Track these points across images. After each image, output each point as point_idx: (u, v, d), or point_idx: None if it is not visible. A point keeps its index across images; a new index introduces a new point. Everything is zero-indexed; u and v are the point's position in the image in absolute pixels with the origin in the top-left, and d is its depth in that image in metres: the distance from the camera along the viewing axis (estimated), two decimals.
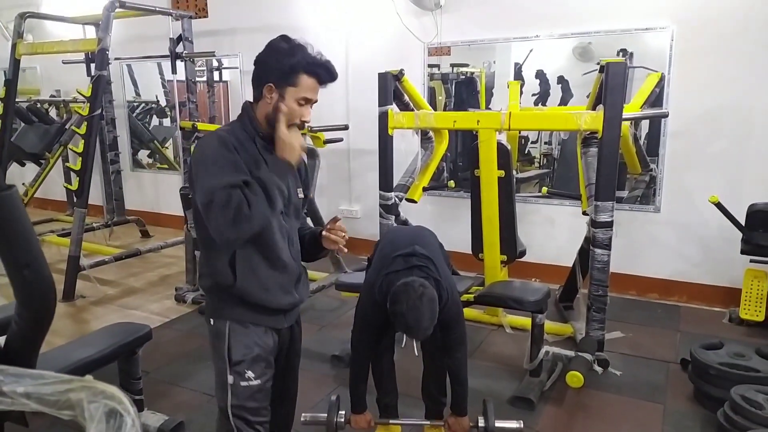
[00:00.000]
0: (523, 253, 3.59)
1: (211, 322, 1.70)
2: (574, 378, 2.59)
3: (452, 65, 4.68)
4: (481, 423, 2.20)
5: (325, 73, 1.63)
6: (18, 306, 1.29)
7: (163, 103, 6.53)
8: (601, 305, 3.00)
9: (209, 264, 1.66)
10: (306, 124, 1.66)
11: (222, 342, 1.66)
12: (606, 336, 3.09)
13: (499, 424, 2.20)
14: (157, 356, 3.19)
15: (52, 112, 6.43)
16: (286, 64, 1.58)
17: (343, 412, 2.24)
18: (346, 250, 1.76)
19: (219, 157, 1.51)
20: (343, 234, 1.75)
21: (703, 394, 2.65)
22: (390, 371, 2.35)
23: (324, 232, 1.77)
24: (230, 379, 1.65)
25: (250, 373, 1.65)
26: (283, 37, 1.64)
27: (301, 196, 1.77)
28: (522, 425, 2.25)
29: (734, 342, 2.82)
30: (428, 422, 2.29)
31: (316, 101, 1.66)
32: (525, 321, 3.38)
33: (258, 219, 1.47)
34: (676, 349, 3.28)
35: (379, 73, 3.38)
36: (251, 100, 1.68)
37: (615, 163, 2.89)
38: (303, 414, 2.28)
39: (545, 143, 4.78)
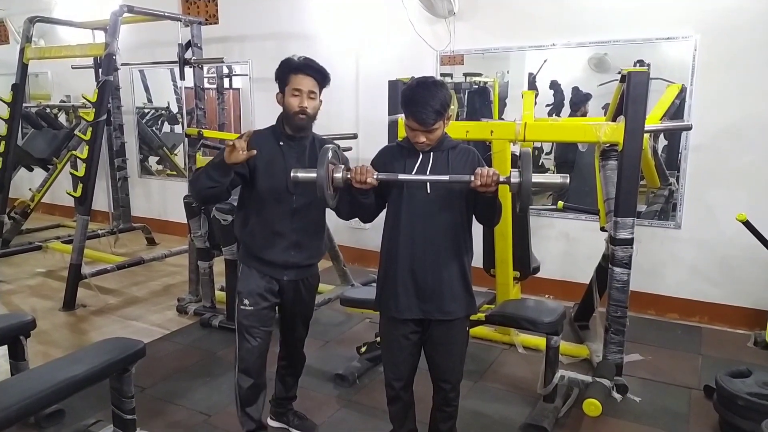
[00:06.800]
0: (536, 270, 3.46)
1: (239, 263, 2.36)
2: (592, 406, 2.44)
3: (465, 74, 4.57)
4: (515, 177, 1.81)
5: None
6: None
7: (174, 109, 6.47)
8: (620, 327, 2.84)
9: (236, 225, 2.35)
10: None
11: (237, 277, 2.34)
12: (624, 359, 2.93)
13: (538, 178, 1.79)
14: (154, 371, 3.07)
15: (62, 118, 6.42)
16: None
17: (341, 167, 1.94)
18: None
19: None
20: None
21: (730, 426, 2.47)
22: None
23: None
24: (236, 301, 2.30)
25: (246, 301, 2.26)
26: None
27: None
28: (568, 180, 1.85)
29: (763, 370, 2.64)
30: (446, 177, 1.88)
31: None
32: (539, 341, 3.23)
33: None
34: (698, 375, 3.10)
35: (389, 81, 3.28)
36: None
37: (636, 178, 2.76)
38: (292, 171, 1.96)
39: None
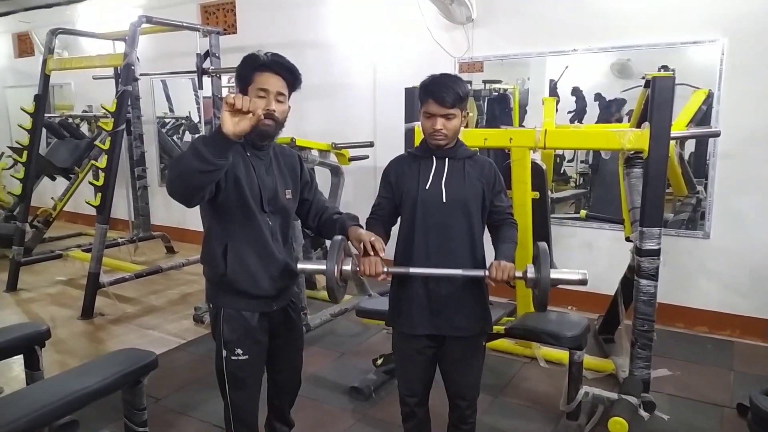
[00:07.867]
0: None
1: (210, 306, 2.00)
2: (618, 425, 2.33)
3: (484, 81, 4.50)
4: (531, 273, 1.74)
5: None
6: None
7: (196, 119, 6.53)
8: (647, 341, 2.73)
9: (205, 254, 1.93)
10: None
11: (217, 324, 1.95)
12: (652, 374, 2.82)
13: (556, 275, 1.71)
14: (168, 382, 3.04)
15: (84, 128, 6.51)
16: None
17: (350, 258, 1.84)
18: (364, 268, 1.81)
19: None
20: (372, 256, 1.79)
21: None
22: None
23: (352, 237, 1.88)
24: (224, 353, 1.94)
25: (238, 350, 1.93)
26: None
27: (289, 197, 1.98)
28: (586, 275, 1.75)
29: None
30: (460, 271, 1.82)
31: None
32: (561, 354, 3.13)
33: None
34: (731, 391, 2.97)
35: (406, 88, 3.22)
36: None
37: (662, 186, 2.66)
38: (299, 263, 1.94)
39: (581, 162, 4.55)
